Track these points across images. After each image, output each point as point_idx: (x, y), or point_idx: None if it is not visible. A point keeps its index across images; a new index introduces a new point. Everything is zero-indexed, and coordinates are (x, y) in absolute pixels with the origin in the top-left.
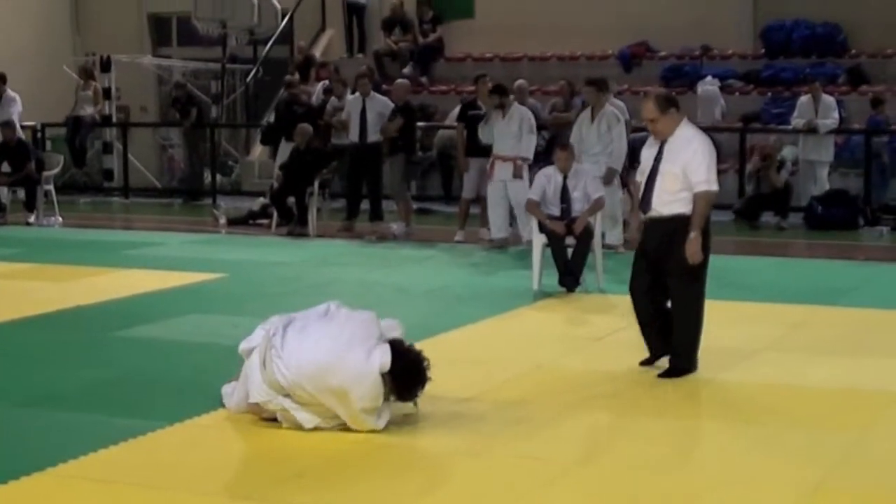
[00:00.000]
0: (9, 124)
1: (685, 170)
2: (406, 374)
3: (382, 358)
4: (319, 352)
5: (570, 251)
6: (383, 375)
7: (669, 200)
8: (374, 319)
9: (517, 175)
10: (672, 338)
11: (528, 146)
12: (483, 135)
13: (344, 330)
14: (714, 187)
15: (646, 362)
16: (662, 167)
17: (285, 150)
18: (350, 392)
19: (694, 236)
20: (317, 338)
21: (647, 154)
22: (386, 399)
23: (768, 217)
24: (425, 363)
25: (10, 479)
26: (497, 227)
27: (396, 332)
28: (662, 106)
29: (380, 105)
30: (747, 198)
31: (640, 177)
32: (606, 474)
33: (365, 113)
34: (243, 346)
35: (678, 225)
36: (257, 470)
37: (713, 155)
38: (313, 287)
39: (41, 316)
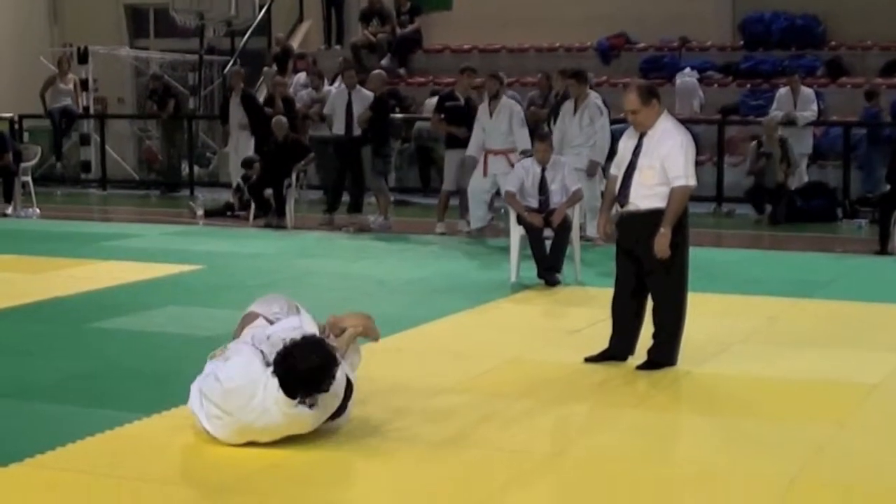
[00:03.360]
0: None
1: (664, 164)
2: (306, 386)
3: (277, 398)
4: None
5: (548, 243)
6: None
7: (647, 194)
8: (251, 352)
9: (513, 168)
10: (654, 332)
11: (523, 138)
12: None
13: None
14: (692, 182)
15: (594, 358)
16: (641, 161)
17: (247, 143)
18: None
19: (664, 231)
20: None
21: (625, 146)
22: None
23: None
24: (313, 360)
25: None
26: (477, 217)
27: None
28: (645, 97)
29: (365, 98)
30: (753, 188)
31: (616, 169)
32: (582, 467)
33: (351, 106)
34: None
35: (656, 220)
36: (235, 461)
37: (692, 149)
38: (291, 279)
39: (18, 307)
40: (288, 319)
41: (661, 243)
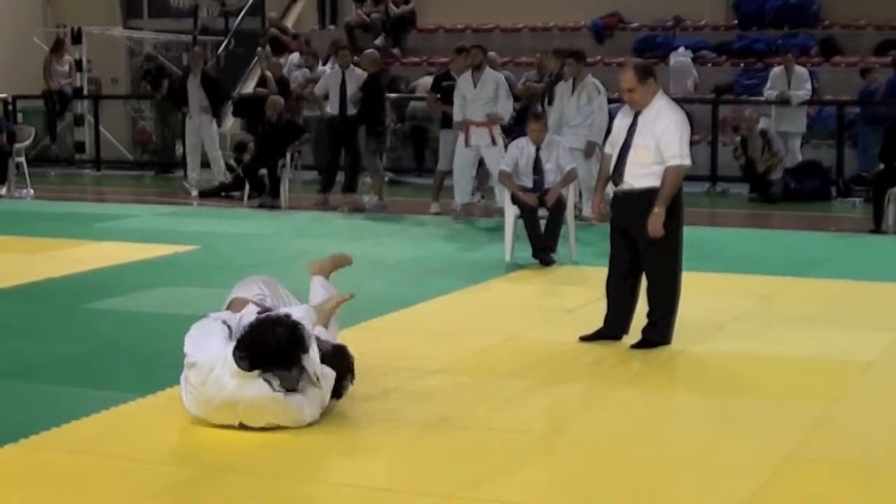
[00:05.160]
0: None
1: (658, 143)
2: (269, 360)
3: (234, 370)
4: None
5: (542, 223)
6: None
7: (642, 173)
8: (216, 327)
9: (494, 141)
10: (649, 312)
11: (508, 109)
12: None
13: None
14: (686, 162)
15: (589, 337)
16: (636, 140)
17: (209, 126)
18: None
19: (658, 211)
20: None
21: (620, 124)
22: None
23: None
24: (281, 336)
25: None
26: (464, 192)
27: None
28: (641, 76)
29: (359, 78)
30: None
31: (610, 148)
32: (578, 446)
33: (345, 85)
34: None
35: (650, 199)
36: (228, 441)
37: (687, 129)
38: (285, 259)
39: (12, 288)
40: (290, 309)
41: (655, 223)
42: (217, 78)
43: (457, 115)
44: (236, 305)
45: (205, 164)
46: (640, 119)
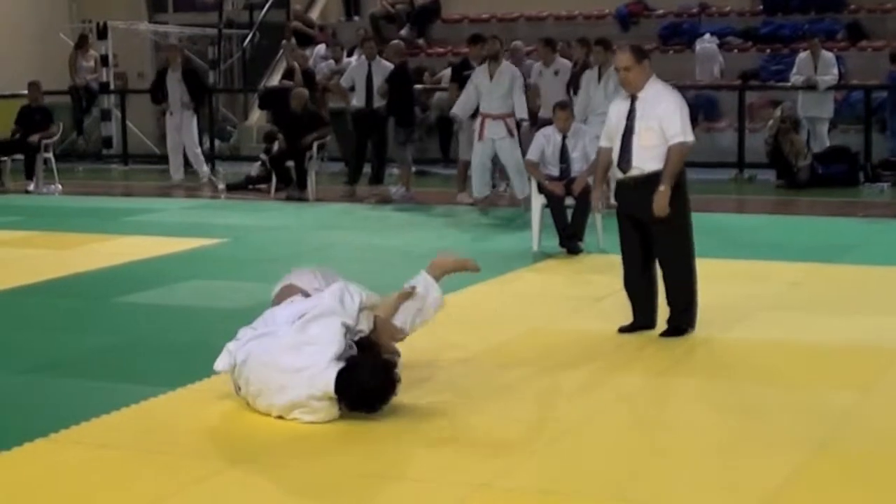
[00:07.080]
0: (36, 85)
1: (661, 124)
2: (357, 400)
3: (327, 385)
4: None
5: (569, 212)
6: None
7: (651, 156)
8: (335, 328)
9: (510, 133)
10: (669, 299)
11: (521, 106)
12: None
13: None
14: (689, 138)
15: (627, 328)
16: (638, 124)
17: (190, 121)
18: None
19: (663, 189)
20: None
21: (618, 112)
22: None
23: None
24: (377, 384)
25: (13, 446)
26: (480, 185)
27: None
28: (638, 56)
29: (385, 69)
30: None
31: (606, 140)
32: (606, 434)
33: (371, 77)
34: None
35: (658, 181)
36: (259, 432)
37: (686, 108)
38: (313, 251)
39: (42, 283)
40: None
41: (661, 201)
42: (197, 72)
43: (456, 107)
44: (285, 292)
45: (236, 157)
46: (639, 104)
